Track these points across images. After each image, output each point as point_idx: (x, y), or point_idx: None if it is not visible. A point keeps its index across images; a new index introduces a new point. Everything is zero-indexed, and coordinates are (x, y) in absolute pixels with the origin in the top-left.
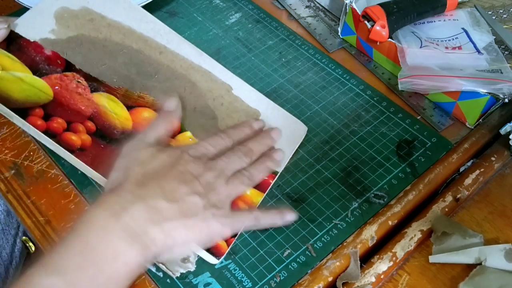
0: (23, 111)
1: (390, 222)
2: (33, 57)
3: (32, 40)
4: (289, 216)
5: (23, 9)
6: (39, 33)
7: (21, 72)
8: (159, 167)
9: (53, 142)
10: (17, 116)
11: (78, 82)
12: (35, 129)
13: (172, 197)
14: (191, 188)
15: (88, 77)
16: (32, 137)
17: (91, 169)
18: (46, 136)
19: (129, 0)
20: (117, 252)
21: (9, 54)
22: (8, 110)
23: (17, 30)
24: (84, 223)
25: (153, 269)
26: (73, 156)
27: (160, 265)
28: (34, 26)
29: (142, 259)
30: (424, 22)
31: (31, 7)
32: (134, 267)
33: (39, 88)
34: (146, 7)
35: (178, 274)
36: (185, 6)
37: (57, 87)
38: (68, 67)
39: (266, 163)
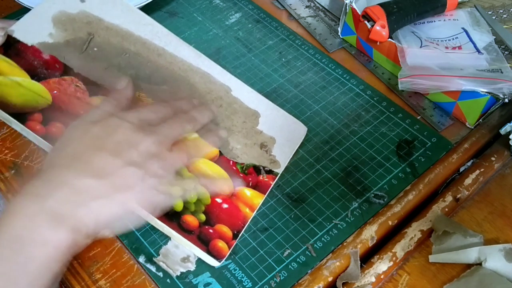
0: (21, 116)
1: (390, 222)
2: (31, 61)
3: (30, 45)
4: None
5: (23, 9)
6: (37, 37)
7: (19, 76)
8: (91, 142)
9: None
10: (15, 121)
11: (77, 86)
12: (34, 134)
13: (102, 173)
14: (126, 159)
15: (86, 81)
16: None
17: None
18: (45, 141)
19: (127, 3)
20: (45, 238)
21: (7, 59)
22: (7, 115)
23: (14, 35)
24: (10, 213)
25: (153, 269)
26: None
27: (161, 264)
28: (31, 30)
29: (73, 241)
30: (424, 22)
31: (31, 7)
32: (65, 250)
33: (37, 92)
34: (146, 7)
35: (178, 273)
36: (185, 6)
37: (55, 91)
38: (66, 71)
39: (212, 137)
